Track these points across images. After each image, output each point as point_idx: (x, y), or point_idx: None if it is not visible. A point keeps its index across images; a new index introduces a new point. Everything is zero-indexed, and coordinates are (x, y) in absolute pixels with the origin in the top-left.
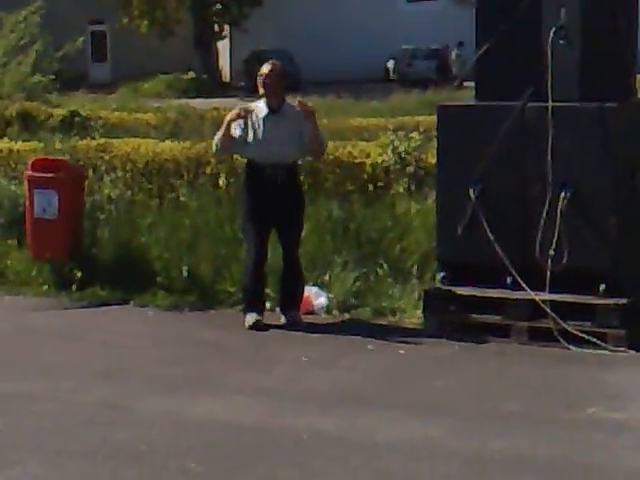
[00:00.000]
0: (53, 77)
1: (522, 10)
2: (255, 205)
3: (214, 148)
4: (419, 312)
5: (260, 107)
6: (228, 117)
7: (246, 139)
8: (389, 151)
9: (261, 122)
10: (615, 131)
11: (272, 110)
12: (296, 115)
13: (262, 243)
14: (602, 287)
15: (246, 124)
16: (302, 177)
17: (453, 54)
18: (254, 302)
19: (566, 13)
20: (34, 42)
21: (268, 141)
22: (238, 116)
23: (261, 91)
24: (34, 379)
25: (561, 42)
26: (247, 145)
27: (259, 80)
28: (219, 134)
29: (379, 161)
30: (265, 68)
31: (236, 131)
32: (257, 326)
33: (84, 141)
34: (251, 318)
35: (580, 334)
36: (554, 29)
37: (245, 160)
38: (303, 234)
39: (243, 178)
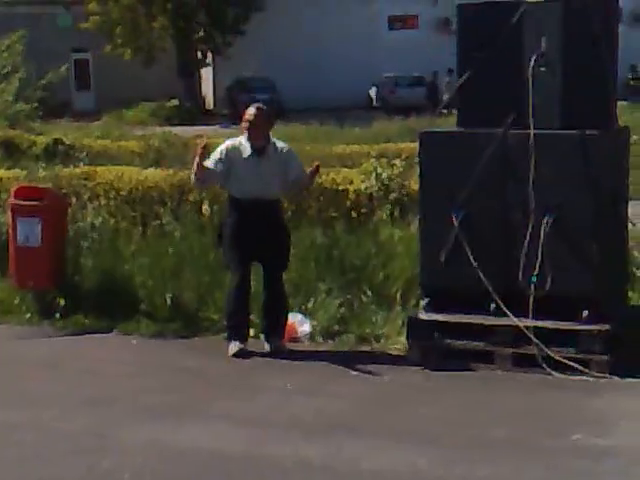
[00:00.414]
0: (36, 105)
1: (503, 38)
2: (237, 233)
3: (192, 180)
4: (403, 339)
5: (244, 146)
6: (197, 151)
7: (228, 174)
8: (372, 178)
9: (244, 162)
10: (596, 158)
11: (256, 151)
12: (280, 155)
13: (245, 272)
14: (585, 313)
15: (229, 160)
16: (285, 204)
17: (445, 81)
18: (238, 330)
19: (547, 41)
20: (17, 70)
21: (250, 180)
22: (203, 150)
23: (245, 134)
24: (17, 408)
25: (542, 70)
26: (229, 181)
27: (244, 123)
28: (193, 168)
29: (362, 188)
30: (249, 112)
31: (217, 165)
32: (241, 355)
33: (67, 169)
34: (235, 347)
35: (563, 360)
36: (535, 57)
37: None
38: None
39: (226, 211)
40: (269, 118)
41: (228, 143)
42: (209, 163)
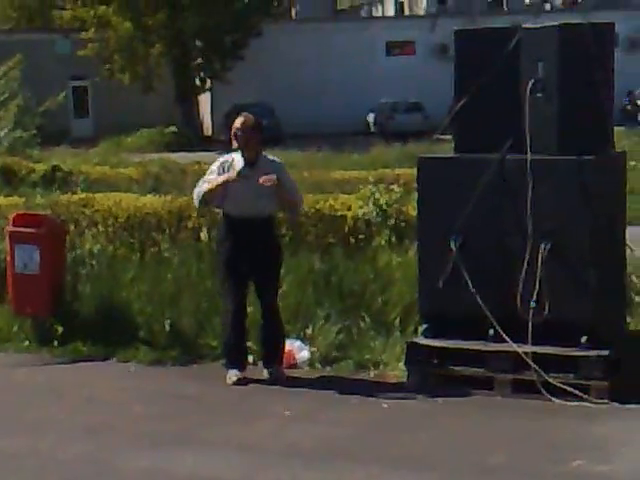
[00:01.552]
0: (35, 132)
1: (500, 64)
2: (231, 258)
3: (197, 198)
4: (402, 365)
5: (237, 161)
6: (215, 170)
7: (225, 192)
8: (370, 204)
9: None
10: (593, 183)
11: (248, 163)
12: (272, 166)
13: (241, 298)
14: (584, 339)
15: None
16: (283, 230)
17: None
18: (235, 358)
19: (543, 66)
20: (14, 97)
21: (244, 196)
22: (222, 169)
23: (234, 144)
24: (16, 435)
25: (539, 95)
26: (225, 198)
27: (232, 133)
28: (204, 186)
29: (360, 214)
30: (237, 121)
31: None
32: (239, 384)
33: (65, 196)
34: (233, 375)
35: (563, 386)
36: (532, 83)
37: (221, 213)
38: (284, 287)
39: (219, 232)
40: (257, 126)
41: (221, 160)
42: (207, 181)
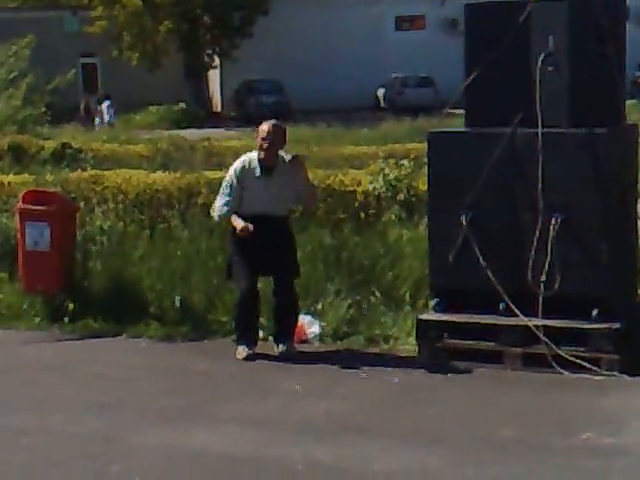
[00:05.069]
0: (44, 110)
1: (510, 38)
2: (245, 253)
3: (218, 214)
4: (412, 339)
5: (255, 164)
6: (232, 179)
7: (242, 199)
8: (380, 179)
9: (255, 181)
10: (605, 156)
11: (266, 170)
12: (288, 169)
13: (252, 279)
14: (595, 312)
15: (240, 183)
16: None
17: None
18: (246, 334)
19: (554, 40)
20: (25, 75)
21: (261, 200)
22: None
23: (258, 151)
24: (26, 412)
25: (550, 69)
26: (241, 202)
27: (258, 141)
28: (224, 209)
29: (370, 189)
30: (265, 128)
31: (234, 194)
32: (249, 359)
33: (75, 173)
34: (243, 351)
35: (573, 359)
36: (542, 56)
37: None
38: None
39: (232, 228)
40: (283, 135)
41: (238, 164)
42: (226, 194)
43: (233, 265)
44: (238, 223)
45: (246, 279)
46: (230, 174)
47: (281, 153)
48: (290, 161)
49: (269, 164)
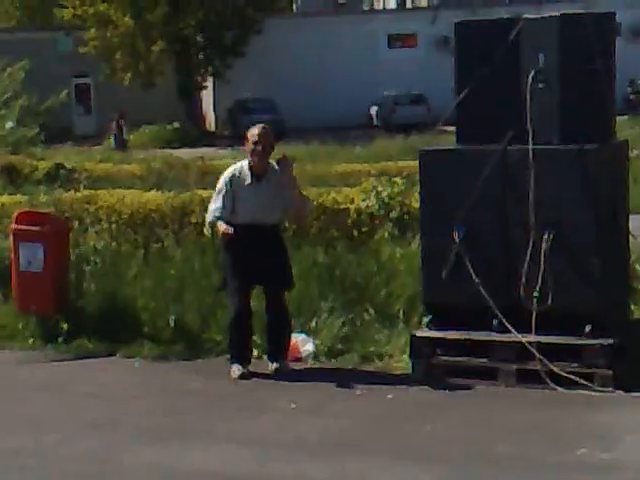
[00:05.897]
0: (38, 130)
1: (501, 55)
2: (237, 263)
3: (210, 219)
4: (406, 356)
5: (245, 172)
6: (222, 187)
7: (233, 208)
8: (373, 196)
9: (246, 189)
10: (595, 172)
11: (256, 177)
12: (278, 177)
13: (245, 296)
14: (588, 328)
15: (232, 190)
16: (286, 224)
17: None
18: (240, 353)
19: (544, 57)
20: (18, 97)
21: (251, 207)
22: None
23: (249, 157)
24: (21, 432)
25: (540, 86)
26: (232, 212)
27: (249, 145)
28: (215, 215)
29: (363, 207)
30: (255, 131)
31: (227, 201)
32: (244, 378)
33: (69, 193)
34: (237, 370)
35: (567, 375)
36: (533, 73)
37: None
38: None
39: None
40: (272, 138)
41: (229, 172)
42: (219, 201)
43: (226, 279)
44: (220, 225)
45: (238, 296)
46: (221, 182)
47: (270, 160)
48: (279, 161)
49: (260, 170)
